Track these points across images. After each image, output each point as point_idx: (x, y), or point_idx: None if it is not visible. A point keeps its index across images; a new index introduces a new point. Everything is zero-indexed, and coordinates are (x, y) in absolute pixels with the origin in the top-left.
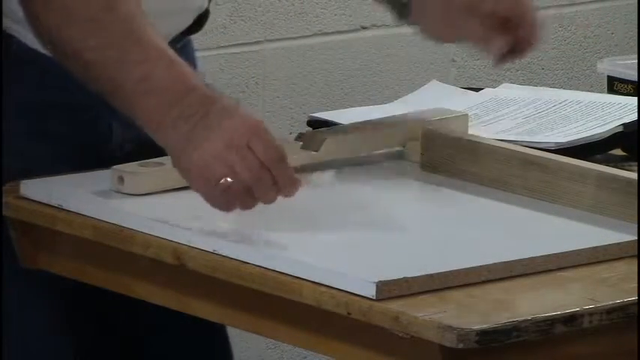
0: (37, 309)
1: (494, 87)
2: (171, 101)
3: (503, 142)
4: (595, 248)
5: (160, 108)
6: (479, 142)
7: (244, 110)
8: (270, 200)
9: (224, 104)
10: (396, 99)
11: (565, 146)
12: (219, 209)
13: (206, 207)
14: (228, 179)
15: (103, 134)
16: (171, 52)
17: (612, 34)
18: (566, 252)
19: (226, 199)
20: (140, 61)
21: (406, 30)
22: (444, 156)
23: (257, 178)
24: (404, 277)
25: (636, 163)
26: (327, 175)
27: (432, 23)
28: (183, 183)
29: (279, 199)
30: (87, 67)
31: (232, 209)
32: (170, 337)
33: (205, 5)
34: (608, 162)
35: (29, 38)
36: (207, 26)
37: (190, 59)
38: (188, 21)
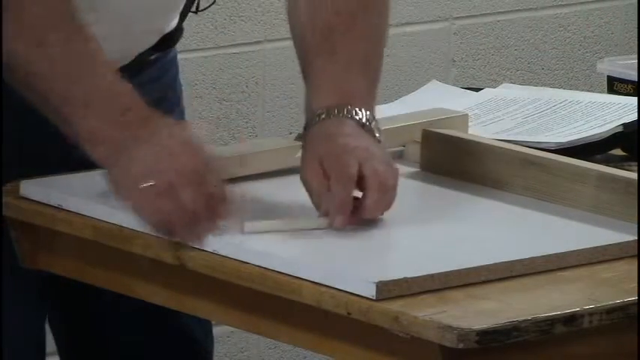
0: (15, 306)
1: (494, 87)
2: (111, 117)
3: (503, 142)
4: (595, 248)
5: (100, 123)
6: (479, 142)
7: (180, 128)
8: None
9: (162, 122)
10: (396, 99)
11: (565, 146)
12: (149, 219)
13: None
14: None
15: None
16: (113, 69)
17: (612, 34)
18: (566, 252)
19: (154, 201)
20: (84, 76)
21: (406, 30)
22: (444, 156)
23: (185, 181)
24: (404, 277)
25: (636, 163)
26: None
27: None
28: None
29: (280, 199)
30: (27, 78)
31: (160, 217)
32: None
33: (168, 29)
34: (608, 162)
35: None
36: (208, 26)
37: (165, 69)
38: (149, 42)
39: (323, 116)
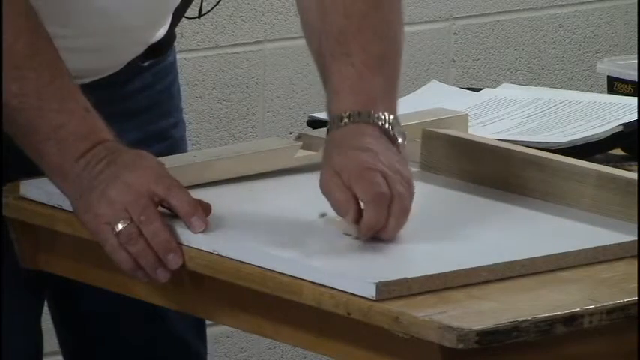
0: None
1: (494, 87)
2: (81, 151)
3: (503, 142)
4: (595, 248)
5: (70, 157)
6: (479, 142)
7: (149, 162)
8: (159, 243)
9: (130, 156)
10: None
11: (565, 146)
12: (121, 263)
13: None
14: (121, 226)
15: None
16: (86, 104)
17: (612, 34)
18: (566, 252)
19: (124, 245)
20: (57, 109)
21: (406, 30)
22: (444, 156)
23: (145, 217)
24: (404, 278)
25: (636, 163)
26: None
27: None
28: (184, 183)
29: (279, 198)
30: (7, 113)
31: (132, 264)
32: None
33: (154, 40)
34: (608, 162)
35: None
36: (208, 26)
37: (160, 76)
38: (135, 53)
39: (345, 121)
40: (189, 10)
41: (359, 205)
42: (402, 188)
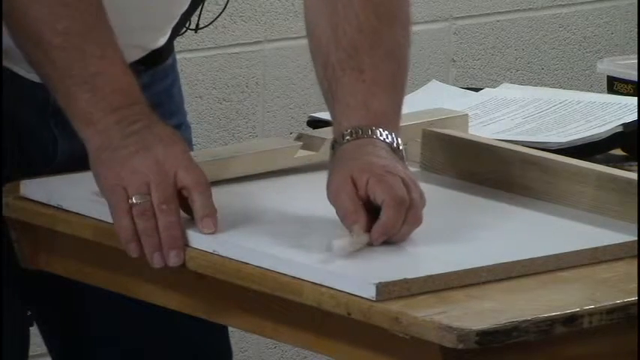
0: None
1: (494, 87)
2: (116, 105)
3: (503, 142)
4: (595, 248)
5: (102, 107)
6: (479, 142)
7: (183, 145)
8: (168, 237)
9: (166, 129)
10: None
11: (565, 146)
12: (120, 229)
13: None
14: (138, 200)
15: (44, 149)
16: (125, 61)
17: (612, 34)
18: (566, 252)
19: (130, 216)
20: (99, 56)
21: None
22: (444, 156)
23: (166, 207)
24: (404, 278)
25: (636, 163)
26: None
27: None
28: None
29: (279, 198)
30: (47, 51)
31: (131, 235)
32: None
33: (154, 46)
34: (608, 162)
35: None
36: (207, 26)
37: (158, 77)
38: (133, 56)
39: (359, 133)
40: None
41: (366, 217)
42: (417, 196)
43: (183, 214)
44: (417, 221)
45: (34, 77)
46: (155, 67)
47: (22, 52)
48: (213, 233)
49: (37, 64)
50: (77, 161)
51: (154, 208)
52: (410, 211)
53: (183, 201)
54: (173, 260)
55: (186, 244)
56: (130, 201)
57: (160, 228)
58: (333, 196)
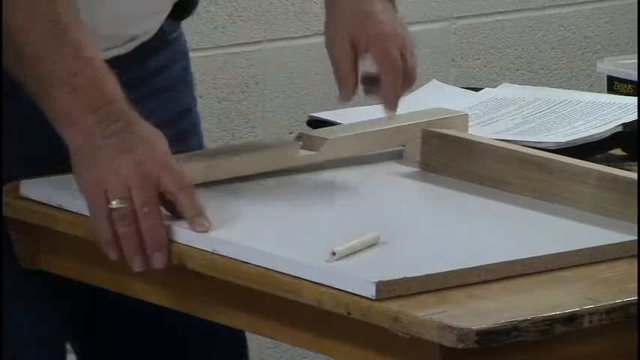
0: (30, 311)
1: (494, 87)
2: (95, 104)
3: (502, 142)
4: (595, 248)
5: (82, 107)
6: (479, 142)
7: (164, 146)
8: (153, 240)
9: (147, 130)
10: None
11: (565, 146)
12: (99, 231)
13: (206, 207)
14: (118, 204)
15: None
16: (101, 58)
17: (612, 34)
18: (566, 252)
19: (109, 219)
20: (74, 56)
21: None
22: (444, 156)
23: (148, 209)
24: (404, 277)
25: (636, 163)
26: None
27: (328, 33)
28: None
29: (279, 198)
30: (26, 60)
31: (110, 237)
32: (173, 339)
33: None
34: (608, 162)
35: None
36: (208, 26)
37: (172, 60)
38: (164, 11)
39: None
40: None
41: (355, 83)
42: (411, 58)
43: (166, 212)
44: (413, 81)
45: None
46: (170, 45)
47: (8, 64)
48: (206, 231)
49: (19, 73)
50: None
51: (135, 211)
52: (408, 76)
53: (165, 200)
54: (157, 262)
55: (172, 240)
56: (109, 205)
57: (142, 231)
58: (332, 58)
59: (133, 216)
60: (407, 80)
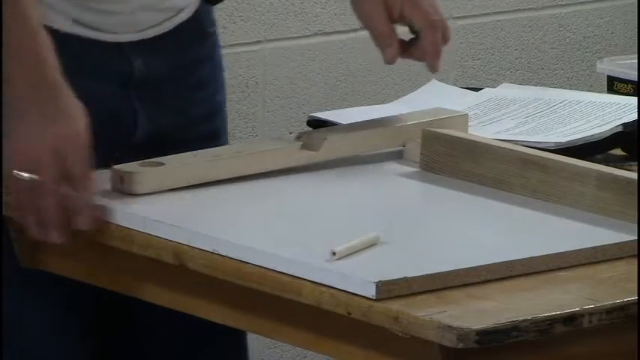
0: (36, 310)
1: (494, 87)
2: (33, 73)
3: (502, 142)
4: (595, 248)
5: (22, 72)
6: (479, 142)
7: (84, 119)
8: (48, 217)
9: (74, 102)
10: (396, 99)
11: (565, 146)
12: (17, 197)
13: (206, 207)
14: (22, 176)
15: (126, 125)
16: (43, 29)
17: (612, 34)
18: (566, 252)
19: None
20: (20, 27)
21: (406, 30)
22: (444, 156)
23: (49, 187)
24: (404, 277)
25: (636, 163)
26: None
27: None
28: (183, 183)
29: (279, 198)
30: None
31: (16, 203)
32: (171, 339)
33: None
34: (608, 162)
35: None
36: None
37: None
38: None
39: None
40: None
41: (398, 41)
42: (443, 17)
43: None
44: (449, 37)
45: (112, 37)
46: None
47: None
48: (66, 240)
49: None
50: (156, 141)
51: (38, 185)
52: (445, 31)
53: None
54: (53, 238)
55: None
56: (16, 173)
57: (40, 205)
58: (365, 19)
59: (41, 190)
60: (444, 36)
